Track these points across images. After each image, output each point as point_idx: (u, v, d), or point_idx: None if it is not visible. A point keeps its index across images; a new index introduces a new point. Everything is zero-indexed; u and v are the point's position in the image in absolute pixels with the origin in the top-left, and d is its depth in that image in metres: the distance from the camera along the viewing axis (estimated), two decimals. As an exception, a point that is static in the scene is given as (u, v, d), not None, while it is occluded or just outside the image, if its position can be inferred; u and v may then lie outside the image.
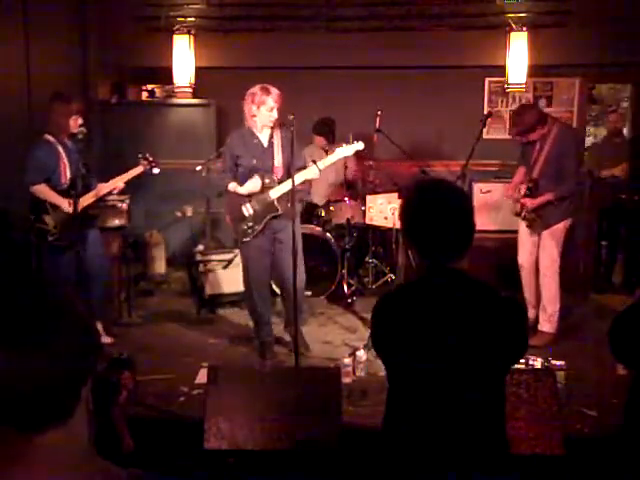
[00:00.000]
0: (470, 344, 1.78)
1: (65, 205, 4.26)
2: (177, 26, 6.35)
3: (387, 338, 1.89)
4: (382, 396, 2.02)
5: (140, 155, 4.59)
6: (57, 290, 0.98)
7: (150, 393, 3.67)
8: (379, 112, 5.71)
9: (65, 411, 0.94)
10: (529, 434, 2.71)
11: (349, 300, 5.59)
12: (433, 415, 1.81)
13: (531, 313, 4.65)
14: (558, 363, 3.83)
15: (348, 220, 5.76)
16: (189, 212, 6.31)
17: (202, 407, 2.86)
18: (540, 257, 4.58)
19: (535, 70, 6.40)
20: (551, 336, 4.56)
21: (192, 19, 6.47)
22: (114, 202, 4.87)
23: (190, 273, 5.71)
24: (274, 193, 4.18)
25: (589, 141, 9.18)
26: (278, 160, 4.23)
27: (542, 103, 6.77)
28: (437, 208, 1.87)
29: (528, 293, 4.73)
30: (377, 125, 5.72)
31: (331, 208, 5.86)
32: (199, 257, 5.50)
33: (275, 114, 4.15)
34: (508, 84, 6.38)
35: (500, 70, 6.40)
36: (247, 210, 4.21)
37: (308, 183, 4.70)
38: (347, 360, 3.93)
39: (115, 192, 4.58)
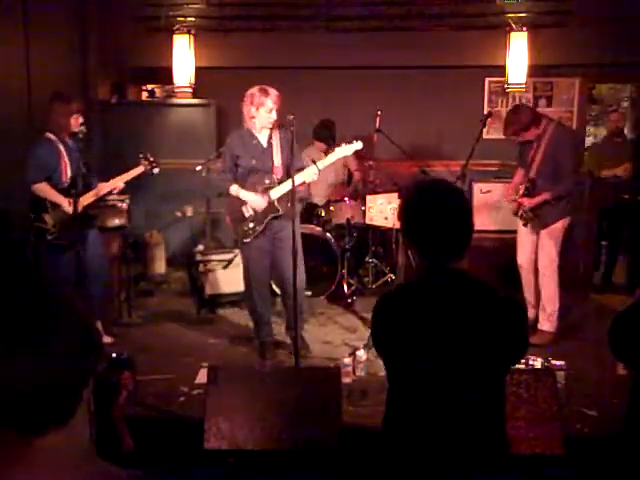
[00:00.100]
0: (470, 344, 1.79)
1: (65, 204, 4.26)
2: (177, 26, 6.35)
3: (387, 338, 1.89)
4: (382, 396, 2.02)
5: (141, 155, 4.59)
6: (57, 290, 0.98)
7: (150, 393, 3.66)
8: (379, 112, 5.71)
9: (66, 412, 0.93)
10: (529, 434, 2.71)
11: (349, 300, 5.59)
12: (433, 415, 1.81)
13: (531, 313, 4.66)
14: (558, 363, 3.84)
15: (348, 220, 5.76)
16: (189, 212, 6.31)
17: (202, 407, 2.86)
18: (539, 257, 4.58)
19: (535, 70, 6.40)
20: (551, 335, 4.56)
21: (192, 19, 6.47)
22: (114, 202, 4.87)
23: (190, 273, 5.71)
24: (274, 194, 4.18)
25: (589, 141, 9.17)
26: (278, 160, 4.23)
27: (542, 103, 6.77)
28: (437, 208, 1.88)
29: (528, 293, 4.74)
30: (377, 125, 5.72)
31: (331, 208, 5.86)
32: (199, 257, 5.50)
33: (274, 115, 4.14)
34: (508, 84, 6.38)
35: (500, 70, 6.40)
36: (247, 211, 4.21)
37: (307, 186, 4.69)
38: (347, 360, 3.93)
39: (115, 192, 4.57)
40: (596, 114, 10.45)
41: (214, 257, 5.47)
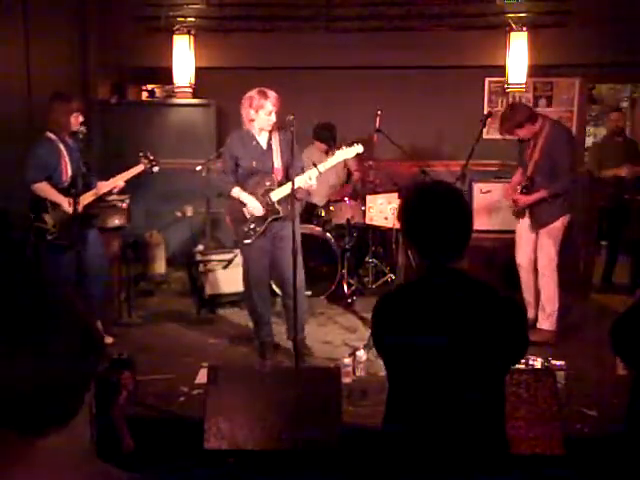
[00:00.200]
0: (470, 344, 1.79)
1: (65, 204, 4.26)
2: (177, 26, 6.35)
3: (387, 338, 1.89)
4: (382, 396, 2.02)
5: (140, 153, 4.59)
6: (57, 290, 0.98)
7: (150, 393, 3.66)
8: (379, 112, 5.71)
9: (66, 413, 0.93)
10: (529, 434, 2.71)
11: (349, 300, 5.59)
12: (433, 415, 1.82)
13: (530, 313, 4.66)
14: (558, 363, 3.84)
15: (348, 220, 5.76)
16: (189, 212, 6.31)
17: (202, 407, 2.86)
18: (538, 256, 4.59)
19: (535, 70, 6.40)
20: (550, 333, 4.56)
21: (192, 19, 6.47)
22: (114, 202, 4.87)
23: (190, 273, 5.71)
24: (275, 195, 4.18)
25: (589, 141, 9.17)
26: (278, 162, 4.22)
27: (542, 103, 6.77)
28: (437, 208, 1.88)
29: (527, 293, 4.74)
30: (377, 125, 5.72)
31: (331, 208, 5.86)
32: (199, 257, 5.50)
33: (273, 117, 4.14)
34: (508, 84, 6.37)
35: (500, 70, 6.39)
36: (248, 212, 4.21)
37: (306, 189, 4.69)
38: (347, 360, 3.93)
39: (115, 191, 4.58)
40: (596, 114, 10.45)
41: (214, 257, 5.47)
